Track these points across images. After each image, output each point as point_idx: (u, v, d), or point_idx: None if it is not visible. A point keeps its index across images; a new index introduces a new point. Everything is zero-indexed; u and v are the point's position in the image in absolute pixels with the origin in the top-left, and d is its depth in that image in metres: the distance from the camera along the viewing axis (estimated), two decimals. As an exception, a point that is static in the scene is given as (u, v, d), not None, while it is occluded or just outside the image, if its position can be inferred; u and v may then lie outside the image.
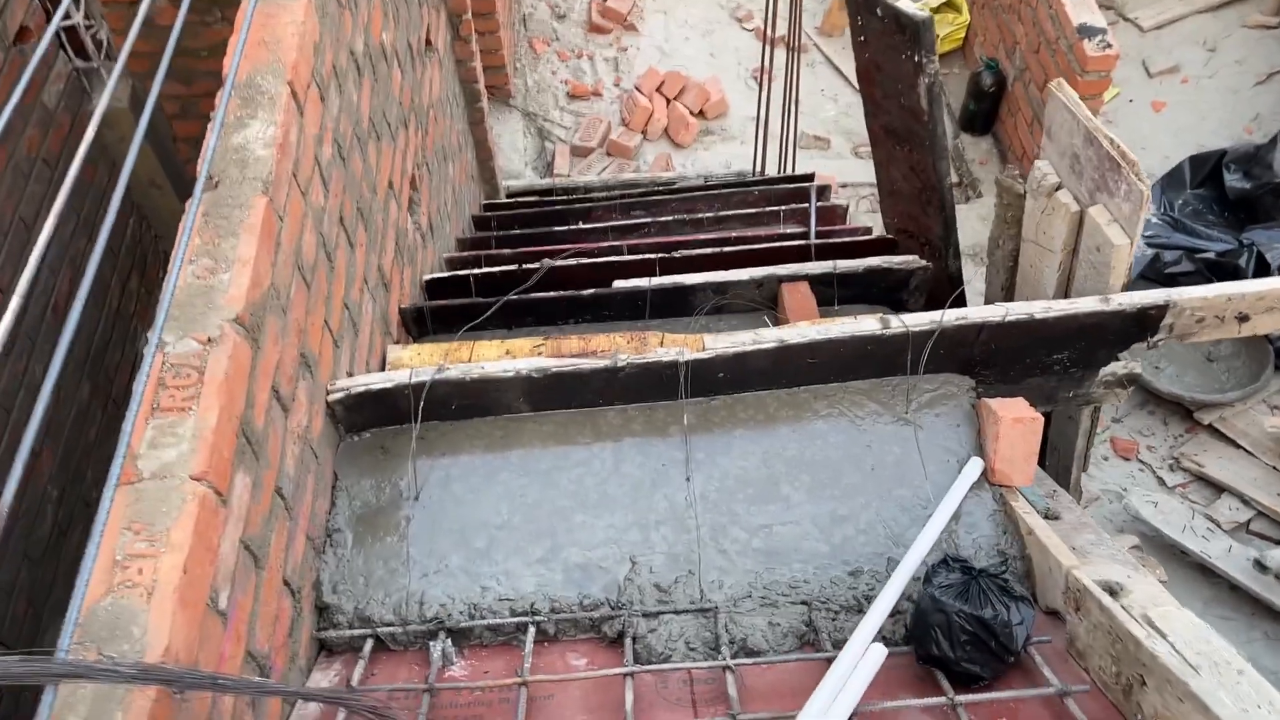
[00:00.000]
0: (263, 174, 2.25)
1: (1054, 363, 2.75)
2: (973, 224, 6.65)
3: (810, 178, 5.58)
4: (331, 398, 2.55)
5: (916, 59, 2.96)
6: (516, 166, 6.78)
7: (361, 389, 2.57)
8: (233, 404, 1.95)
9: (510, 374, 2.59)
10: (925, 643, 2.05)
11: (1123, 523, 5.00)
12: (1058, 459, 3.46)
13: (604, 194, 5.90)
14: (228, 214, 2.18)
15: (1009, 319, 2.60)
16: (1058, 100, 2.80)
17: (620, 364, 2.59)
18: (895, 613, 2.24)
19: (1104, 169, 2.66)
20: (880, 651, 1.99)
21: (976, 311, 2.63)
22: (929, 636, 2.04)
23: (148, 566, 1.71)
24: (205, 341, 1.97)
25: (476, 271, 3.81)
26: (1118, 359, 2.79)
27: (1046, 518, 2.65)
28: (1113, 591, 2.25)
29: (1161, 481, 5.20)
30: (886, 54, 3.24)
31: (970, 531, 2.47)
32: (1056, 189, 2.91)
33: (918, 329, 2.60)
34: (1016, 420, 2.49)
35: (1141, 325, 2.66)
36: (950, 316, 2.62)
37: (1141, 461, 5.29)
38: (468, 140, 5.40)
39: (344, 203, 2.83)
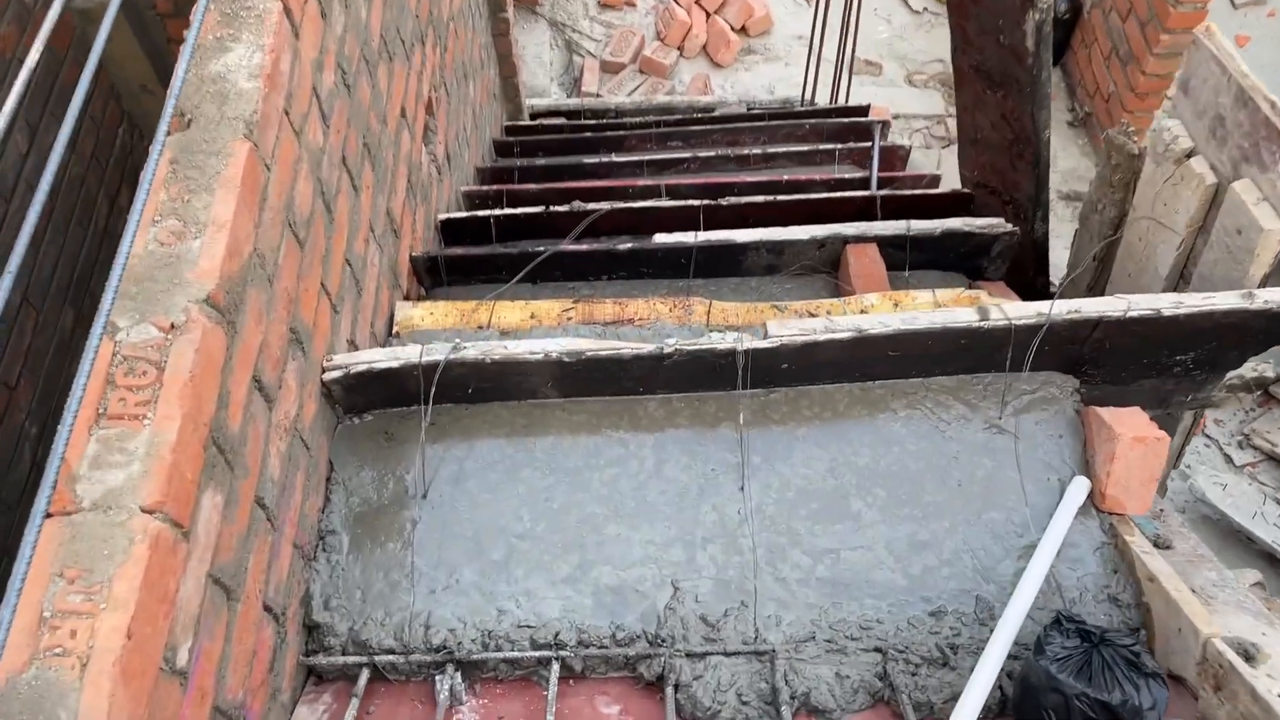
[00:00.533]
0: (246, 112, 1.83)
1: (1174, 364, 2.34)
2: (1034, 165, 6.13)
3: (864, 111, 5.10)
4: (328, 377, 2.17)
5: (1030, -9, 2.49)
6: (541, 82, 6.26)
7: (363, 367, 2.18)
8: (200, 408, 1.57)
9: (538, 357, 2.19)
10: (1034, 726, 1.70)
11: (1184, 504, 4.64)
12: (1144, 454, 3.07)
13: (637, 119, 5.41)
14: (201, 163, 1.77)
15: (1131, 315, 2.18)
16: (1205, 50, 2.34)
17: (668, 351, 2.19)
18: (987, 670, 1.88)
19: (1258, 137, 2.21)
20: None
21: (1092, 304, 2.22)
22: (1039, 719, 1.69)
23: (83, 628, 1.35)
24: (168, 329, 1.58)
25: (498, 213, 3.39)
26: (1248, 360, 2.38)
27: (1157, 546, 2.27)
28: (1248, 655, 1.89)
29: (1229, 459, 4.82)
30: (986, -19, 2.76)
31: (1074, 568, 2.10)
32: (1188, 155, 2.46)
33: (1022, 322, 2.19)
34: (1137, 440, 2.09)
35: (1287, 326, 2.24)
36: (1060, 309, 2.20)
37: (1208, 437, 4.91)
38: (490, 55, 4.90)
39: (348, 139, 2.40)
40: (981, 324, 2.19)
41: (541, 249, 3.04)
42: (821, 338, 2.20)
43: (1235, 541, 4.48)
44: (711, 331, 2.69)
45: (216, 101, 1.84)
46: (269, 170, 1.88)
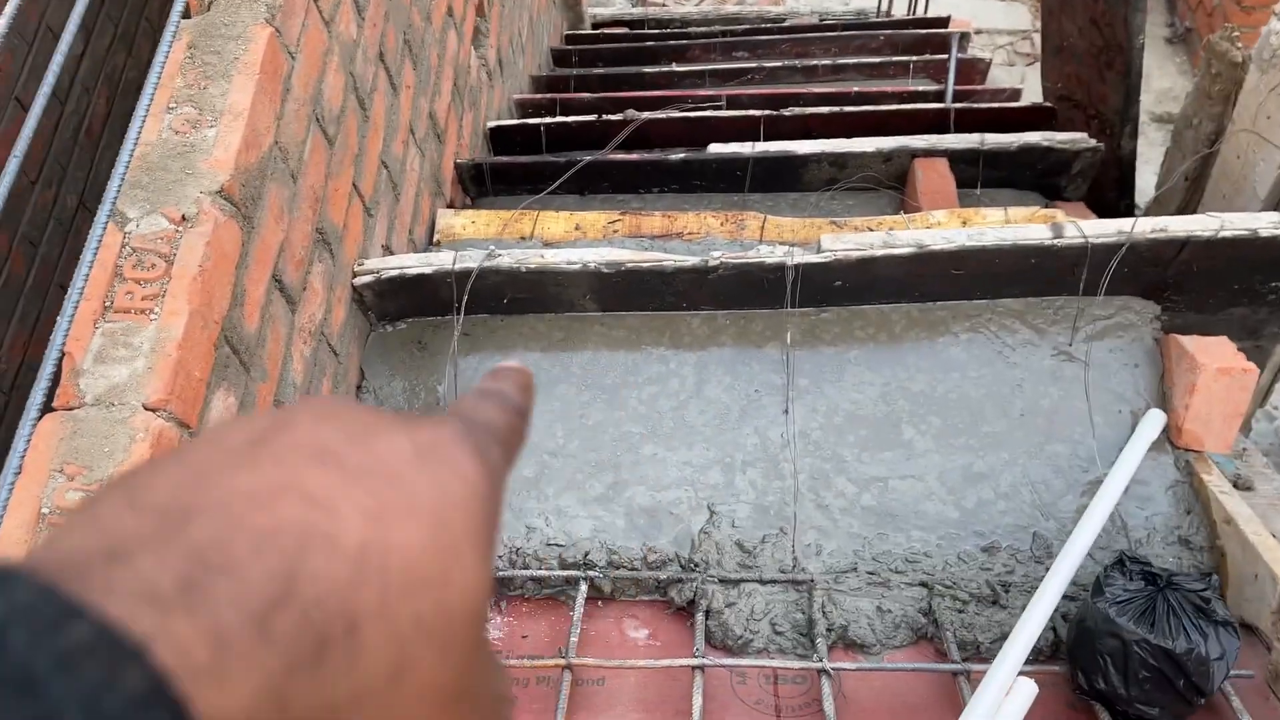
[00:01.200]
0: (267, -4, 1.72)
1: (1269, 291, 2.14)
2: (1125, 85, 5.76)
3: (944, 23, 4.80)
4: (358, 281, 2.09)
5: (1132, -126, 2.24)
6: (607, -9, 6.04)
7: (395, 272, 2.10)
8: (211, 304, 1.50)
9: (576, 267, 2.08)
10: (1090, 671, 1.58)
11: (1270, 445, 4.40)
12: (1228, 391, 2.87)
13: (703, 29, 5.19)
14: (220, 48, 1.68)
15: (1223, 235, 1.99)
16: (1327, -61, 2.09)
17: (713, 264, 2.07)
18: (1041, 610, 1.76)
19: (1382, 39, 1.98)
20: (1030, 691, 1.52)
21: (1179, 223, 2.02)
22: (1095, 665, 1.56)
23: (81, 527, 1.30)
24: (178, 220, 1.51)
25: (549, 120, 3.26)
26: (1351, 290, 2.17)
27: (1236, 487, 2.11)
28: (1329, 607, 1.73)
29: (1319, 402, 4.54)
30: None
31: (1143, 507, 1.95)
32: (1299, 61, 2.23)
33: (1100, 240, 2.01)
34: (1223, 370, 1.92)
35: (1400, 253, 2.03)
36: (1144, 226, 2.01)
37: (1298, 378, 4.62)
38: (551, -41, 4.71)
39: (386, 34, 2.29)
40: (1055, 241, 2.02)
41: (596, 156, 2.90)
42: (879, 253, 2.05)
43: (1320, 488, 4.24)
44: (762, 246, 2.56)
45: (238, -17, 1.74)
46: (293, 59, 1.78)
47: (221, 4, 1.72)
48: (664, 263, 2.09)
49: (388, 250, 2.34)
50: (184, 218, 1.50)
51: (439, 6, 2.75)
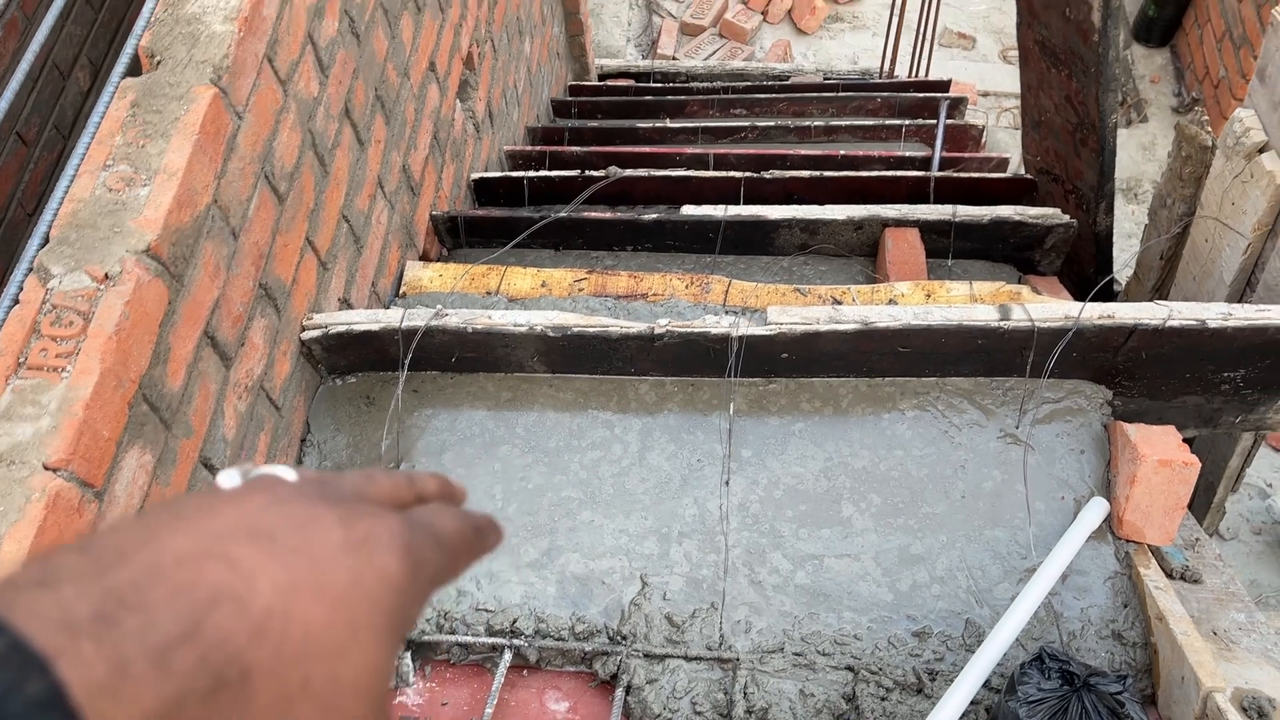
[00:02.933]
0: (215, 57, 1.75)
1: (1222, 381, 2.11)
2: (1131, 153, 5.75)
3: (945, 85, 4.82)
4: (306, 335, 2.11)
5: (1096, -41, 2.25)
6: (617, 42, 6.11)
7: (342, 328, 2.11)
8: (126, 364, 1.51)
9: (523, 329, 2.09)
10: (997, 773, 1.54)
11: (1261, 524, 4.32)
12: (1202, 472, 2.82)
13: (705, 84, 5.23)
14: (162, 107, 1.71)
15: (1171, 324, 1.97)
16: (1285, 31, 2.08)
17: (658, 332, 2.06)
18: (972, 701, 1.72)
19: (1337, 132, 1.96)
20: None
21: (1129, 310, 2.00)
22: (1003, 766, 1.53)
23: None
24: (101, 279, 1.53)
25: (531, 175, 3.28)
26: (1310, 383, 2.14)
27: (1184, 578, 2.07)
28: (1261, 712, 1.69)
29: (1315, 482, 4.46)
30: (1056, -53, 2.52)
31: (1079, 598, 1.91)
32: (1261, 150, 2.21)
33: (1046, 325, 2.00)
34: (1163, 462, 1.89)
35: (1354, 348, 2.00)
36: (1091, 312, 1.99)
37: (1293, 455, 4.55)
38: (555, 12, 4.78)
39: (353, 90, 2.32)
40: (1001, 324, 2.01)
41: (564, 213, 2.92)
42: (824, 328, 2.04)
43: (1311, 571, 4.15)
44: (727, 313, 2.56)
45: (187, 44, 1.77)
46: (240, 118, 1.81)
47: (169, 64, 1.75)
48: (609, 329, 2.09)
49: (345, 303, 2.35)
50: (106, 276, 1.52)
51: (419, 62, 2.79)
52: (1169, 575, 2.05)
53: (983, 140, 4.20)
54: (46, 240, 1.57)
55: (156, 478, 1.60)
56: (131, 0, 3.16)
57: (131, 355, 1.52)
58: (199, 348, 1.72)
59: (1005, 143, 5.50)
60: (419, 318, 2.11)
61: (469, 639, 1.90)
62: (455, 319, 2.11)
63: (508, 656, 1.87)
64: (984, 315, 2.02)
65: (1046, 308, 2.02)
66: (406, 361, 2.10)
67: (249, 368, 1.91)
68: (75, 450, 1.40)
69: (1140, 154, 5.69)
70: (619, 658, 1.85)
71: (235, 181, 1.80)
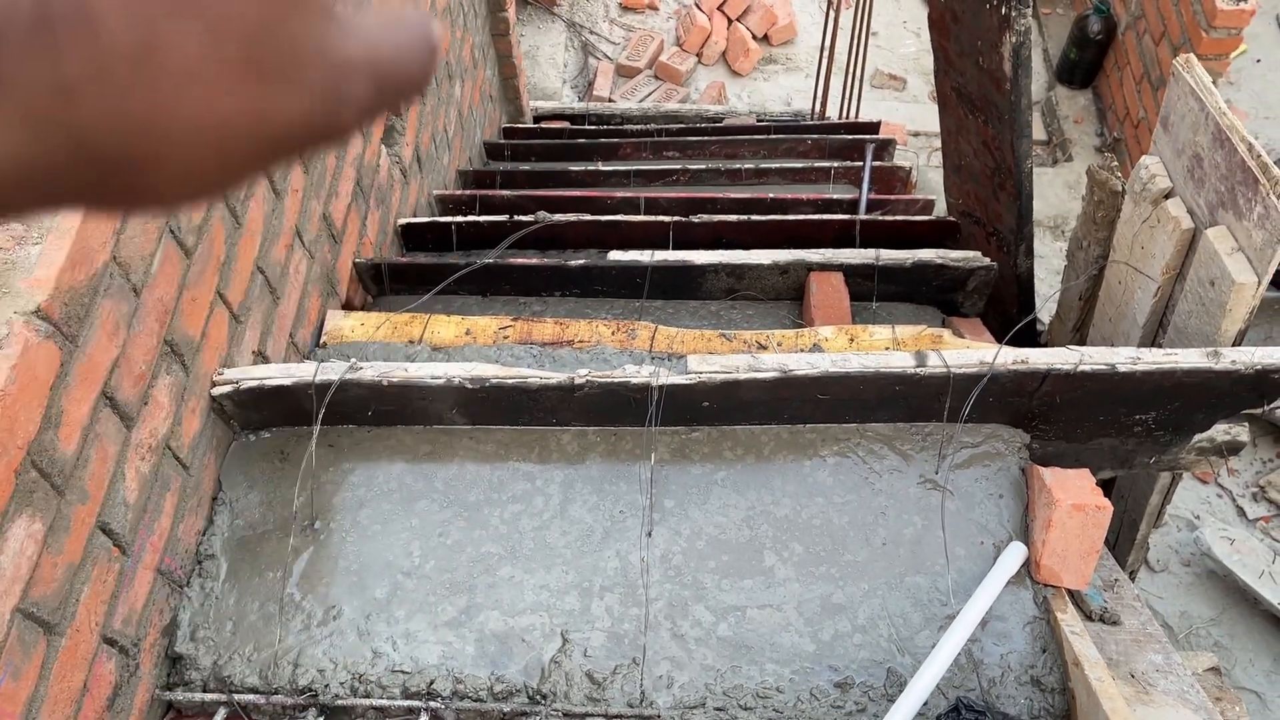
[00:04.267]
0: (114, 111, 1.71)
1: (1135, 424, 2.14)
2: (1058, 191, 5.89)
3: (874, 127, 4.90)
4: (216, 391, 2.06)
5: (1004, 11, 2.30)
6: (553, 84, 6.14)
7: (254, 383, 2.06)
8: (12, 430, 1.45)
9: (440, 382, 2.06)
10: (915, 830, 1.53)
11: (1190, 556, 4.39)
12: (1124, 510, 2.87)
13: (640, 125, 5.27)
14: (58, 163, 1.65)
15: (1083, 369, 2.00)
16: (1183, 83, 2.13)
17: (579, 382, 2.05)
18: (886, 755, 1.71)
19: (1234, 181, 2.01)
20: None
21: (1041, 355, 2.03)
22: (921, 823, 1.51)
23: None
24: (-12, 342, 1.47)
25: (459, 220, 3.26)
26: (1219, 423, 2.18)
27: (1103, 620, 2.08)
28: (1178, 757, 1.70)
29: (1241, 512, 4.55)
30: (968, -2, 2.58)
31: (999, 644, 1.91)
32: (1166, 196, 2.26)
33: (961, 371, 2.02)
34: (1077, 507, 1.91)
35: (1259, 389, 2.04)
36: (1005, 358, 2.02)
37: (1220, 486, 4.64)
38: (487, 55, 4.78)
39: (268, 141, 2.28)
40: (917, 370, 2.02)
41: (488, 260, 2.90)
42: (744, 376, 2.04)
43: (1240, 599, 4.22)
44: (654, 359, 2.55)
45: (86, 98, 1.73)
46: (142, 173, 1.76)
47: (67, 119, 1.71)
48: (529, 380, 2.07)
49: (261, 356, 2.30)
50: (-6, 339, 1.47)
51: (340, 109, 2.76)
52: (1088, 617, 2.07)
53: (912, 180, 4.27)
54: (-70, 302, 1.51)
55: (48, 547, 1.54)
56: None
57: (18, 421, 1.46)
58: (96, 409, 1.66)
59: (935, 182, 5.59)
60: (333, 371, 2.07)
61: (384, 702, 1.85)
62: (370, 372, 2.07)
63: (425, 719, 1.82)
64: (900, 362, 2.03)
65: (962, 354, 2.04)
66: (320, 416, 2.06)
67: (153, 427, 1.85)
68: (-46, 523, 1.34)
69: (1066, 192, 5.83)
70: (538, 718, 1.81)
71: (136, 237, 1.76)
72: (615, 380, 2.06)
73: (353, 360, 2.11)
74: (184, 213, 1.88)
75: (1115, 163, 2.51)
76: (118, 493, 1.74)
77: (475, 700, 1.86)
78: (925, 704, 1.77)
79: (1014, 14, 2.29)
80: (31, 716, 1.52)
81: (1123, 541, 2.93)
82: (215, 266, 2.06)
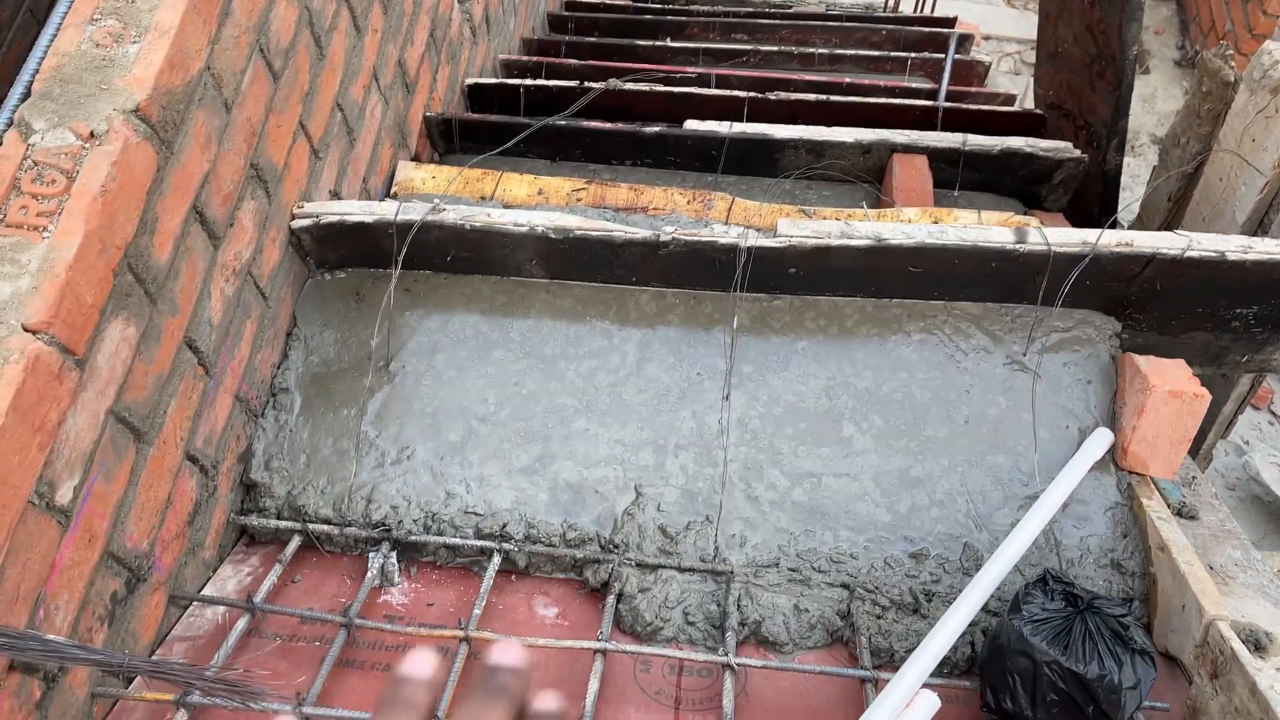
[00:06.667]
0: (212, -90, 1.64)
1: (1234, 318, 2.08)
2: (1133, 105, 5.68)
3: (950, 23, 4.72)
4: (296, 224, 2.02)
5: (1136, -126, 2.16)
6: (615, -38, 5.91)
7: (335, 218, 2.02)
8: (112, 228, 1.42)
9: (523, 229, 2.01)
10: (999, 690, 1.52)
11: (1236, 480, 4.35)
12: (1191, 419, 2.81)
13: (706, 6, 5.09)
14: (154, -38, 1.59)
15: (1190, 255, 1.92)
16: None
17: (664, 239, 1.99)
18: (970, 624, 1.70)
19: (1372, 66, 1.90)
20: (930, 704, 1.46)
21: (1147, 238, 1.96)
22: (1004, 684, 1.51)
23: (-59, 449, 1.23)
24: (86, 137, 1.43)
25: (528, 83, 3.17)
26: (1319, 325, 2.11)
27: (1180, 515, 2.05)
28: (1258, 645, 1.68)
29: (1290, 440, 4.50)
30: None
31: (1079, 527, 1.89)
32: (1289, 84, 2.15)
33: (1063, 249, 1.95)
34: (1174, 393, 1.85)
35: (1369, 289, 1.97)
36: (1110, 239, 1.95)
37: (1273, 413, 4.57)
38: (556, -78, 4.61)
39: (352, -28, 2.20)
40: (1018, 247, 1.95)
41: (561, 121, 2.82)
42: (835, 243, 1.98)
43: (1282, 527, 4.20)
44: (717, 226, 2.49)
45: (182, -104, 1.65)
46: (236, -18, 1.70)
47: (163, -83, 1.63)
48: (614, 233, 2.02)
49: (335, 196, 2.26)
50: (93, 134, 1.43)
51: (419, -48, 2.66)
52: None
53: (985, 80, 4.12)
54: (28, 94, 1.47)
55: (140, 353, 1.53)
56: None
57: (117, 220, 1.43)
58: (187, 222, 1.63)
59: (1006, 86, 5.42)
60: (415, 211, 2.02)
61: (457, 541, 1.85)
62: (453, 215, 2.02)
63: (496, 560, 1.83)
64: (1000, 237, 1.97)
65: (1064, 232, 1.97)
66: (400, 258, 2.02)
67: (237, 250, 1.82)
68: (57, 313, 1.31)
69: (1140, 106, 5.63)
70: (611, 566, 1.81)
71: (229, 49, 1.70)
72: (702, 239, 2.00)
73: (436, 201, 2.06)
74: (270, 37, 1.82)
75: (1230, 51, 2.39)
76: (204, 311, 1.71)
77: (548, 545, 1.86)
78: (1004, 579, 1.75)
79: (1147, -122, 2.15)
80: (120, 520, 1.53)
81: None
82: (299, 95, 2.01)
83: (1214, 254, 1.92)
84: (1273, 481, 4.17)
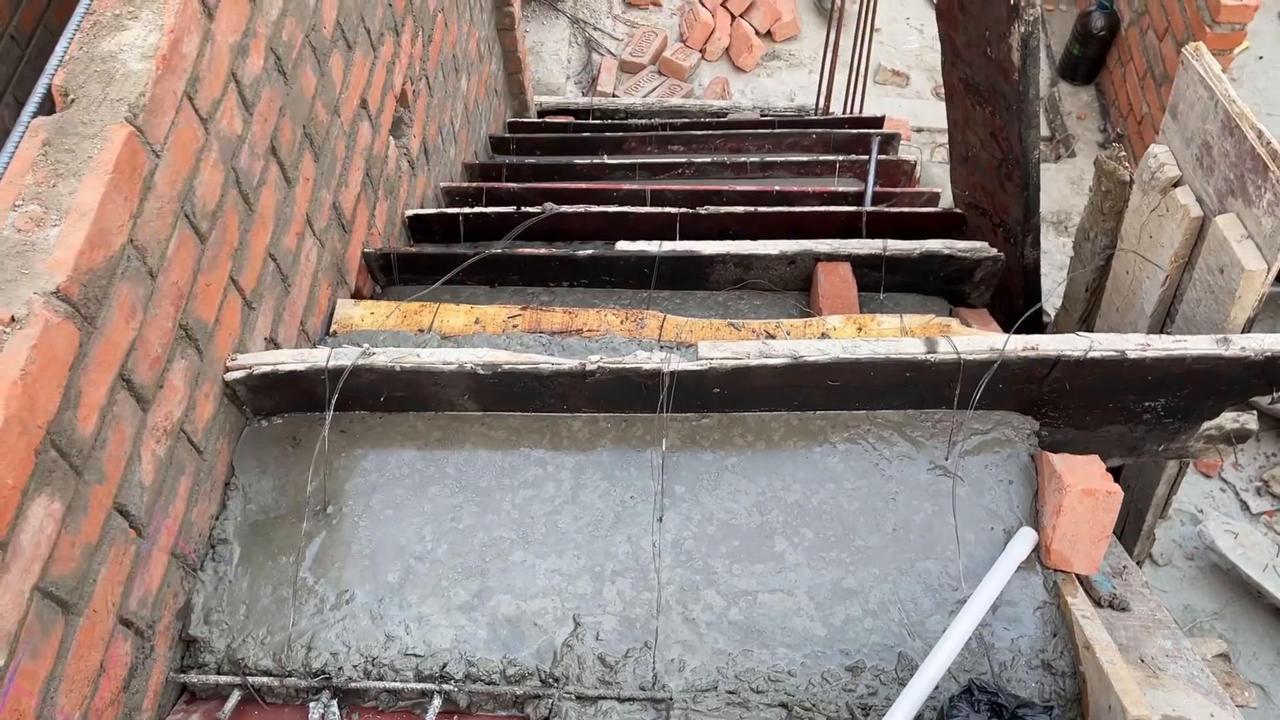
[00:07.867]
0: (131, 95, 1.72)
1: (1144, 411, 2.15)
2: (1061, 187, 5.90)
3: (878, 122, 4.91)
4: (230, 377, 2.06)
5: (1012, 1, 2.31)
6: (557, 79, 6.15)
7: (268, 369, 2.07)
8: (33, 410, 1.46)
9: (452, 367, 2.07)
10: (929, 808, 1.54)
11: (1194, 549, 4.40)
12: (1130, 501, 2.87)
13: (643, 121, 5.28)
14: (75, 146, 1.67)
15: (1092, 355, 2.00)
16: (1192, 71, 2.14)
17: (590, 369, 2.05)
18: (898, 736, 1.72)
19: (1243, 168, 2.02)
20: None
21: (1051, 342, 2.04)
22: (934, 801, 1.52)
23: None
24: (7, 321, 1.48)
25: (467, 211, 3.27)
26: (1227, 410, 2.19)
27: (1112, 606, 2.10)
28: (1189, 740, 1.71)
29: (1245, 506, 4.56)
30: (977, -11, 2.59)
31: (1010, 628, 1.92)
32: (1175, 184, 2.27)
33: (972, 357, 2.02)
34: (1087, 492, 1.91)
35: (1268, 376, 2.05)
36: (1016, 344, 2.03)
37: (1224, 480, 4.65)
38: (492, 49, 4.79)
39: (279, 128, 2.29)
40: (928, 357, 2.03)
41: (497, 249, 2.91)
42: (754, 363, 2.04)
43: (1244, 593, 4.23)
44: (662, 348, 2.56)
45: (102, 82, 1.74)
46: (158, 157, 1.78)
47: (83, 102, 1.72)
48: (540, 366, 2.08)
49: (272, 342, 2.31)
50: (13, 319, 1.48)
51: (350, 99, 2.77)
52: (1097, 604, 2.08)
53: (915, 175, 4.27)
54: (-50, 282, 1.52)
55: (66, 526, 1.55)
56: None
57: (39, 400, 1.47)
58: (113, 391, 1.67)
59: (939, 177, 5.61)
60: (346, 356, 2.08)
61: (397, 685, 1.86)
62: (383, 357, 2.08)
63: (437, 702, 1.83)
64: (911, 348, 2.04)
65: (972, 340, 2.05)
66: (333, 401, 2.07)
67: (168, 410, 1.86)
68: (-25, 500, 1.34)
69: (1069, 188, 5.84)
70: (551, 700, 1.82)
71: (153, 221, 1.77)
72: (626, 366, 2.07)
73: (365, 346, 2.12)
74: (196, 203, 1.89)
75: (1123, 153, 2.52)
76: (134, 475, 1.75)
77: (488, 683, 1.87)
78: (936, 687, 1.78)
79: (1023, 3, 2.29)
80: (50, 695, 1.53)
81: (1128, 533, 2.94)
82: (229, 252, 2.07)
83: (1115, 353, 2.00)
84: (1228, 549, 4.22)
